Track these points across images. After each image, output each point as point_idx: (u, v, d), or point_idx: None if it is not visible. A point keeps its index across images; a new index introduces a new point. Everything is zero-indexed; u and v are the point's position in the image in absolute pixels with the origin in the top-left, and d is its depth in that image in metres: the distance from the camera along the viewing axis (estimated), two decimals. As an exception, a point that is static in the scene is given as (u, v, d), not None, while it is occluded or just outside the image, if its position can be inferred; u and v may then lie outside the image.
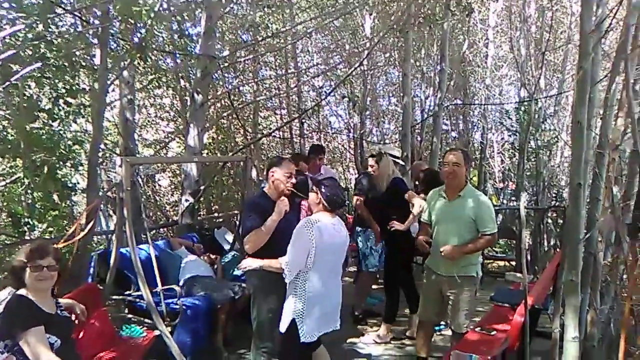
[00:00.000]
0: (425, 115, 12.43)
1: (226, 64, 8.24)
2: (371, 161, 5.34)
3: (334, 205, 3.51)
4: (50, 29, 5.30)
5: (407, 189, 5.12)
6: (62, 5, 5.35)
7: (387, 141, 15.11)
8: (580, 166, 3.17)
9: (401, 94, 10.32)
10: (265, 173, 3.91)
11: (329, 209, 3.50)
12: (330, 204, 3.49)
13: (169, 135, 12.44)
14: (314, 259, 3.31)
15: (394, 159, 5.48)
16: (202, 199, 8.44)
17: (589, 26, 2.78)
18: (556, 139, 10.66)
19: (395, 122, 14.95)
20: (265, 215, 3.58)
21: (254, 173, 9.71)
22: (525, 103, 10.03)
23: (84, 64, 6.22)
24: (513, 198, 13.45)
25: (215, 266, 5.56)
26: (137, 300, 4.57)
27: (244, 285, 4.93)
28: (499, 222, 13.56)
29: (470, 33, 13.16)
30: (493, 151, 13.36)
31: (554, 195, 10.82)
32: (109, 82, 5.91)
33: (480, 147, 13.96)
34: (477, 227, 3.89)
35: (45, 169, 5.21)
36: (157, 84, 9.39)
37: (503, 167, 13.56)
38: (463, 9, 6.41)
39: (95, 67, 6.02)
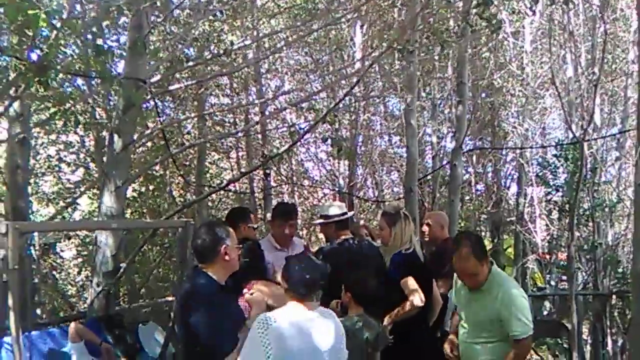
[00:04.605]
0: (439, 163, 12.63)
1: (160, 91, 8.33)
2: (381, 222, 5.28)
3: (307, 289, 3.39)
4: None
5: (402, 272, 4.87)
6: None
7: (386, 196, 15.28)
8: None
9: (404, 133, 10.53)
10: (201, 245, 3.73)
11: (300, 296, 3.38)
12: (301, 288, 3.37)
13: (77, 187, 12.40)
14: None
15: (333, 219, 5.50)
16: (121, 280, 8.33)
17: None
18: (618, 197, 10.88)
19: (398, 171, 15.17)
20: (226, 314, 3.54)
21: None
22: (573, 147, 10.28)
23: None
24: (564, 277, 13.55)
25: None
26: None
27: None
28: (545, 313, 13.66)
29: (499, 49, 13.59)
30: (534, 212, 13.54)
31: (619, 274, 10.94)
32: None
33: (516, 207, 14.14)
34: (505, 328, 4.00)
35: None
36: (61, 117, 9.41)
37: (549, 234, 13.71)
38: (487, 23, 6.59)
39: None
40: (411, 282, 4.78)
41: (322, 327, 3.40)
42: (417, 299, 4.67)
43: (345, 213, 5.61)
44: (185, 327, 3.59)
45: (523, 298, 4.07)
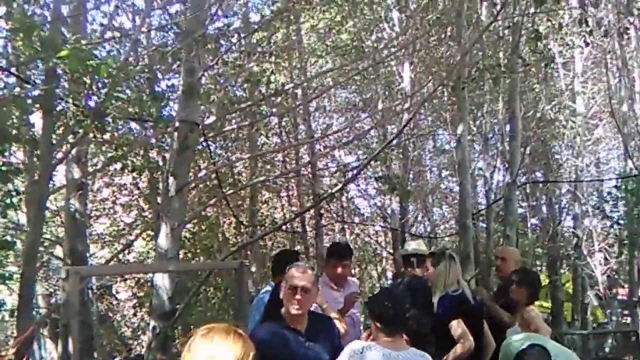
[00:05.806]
0: (493, 197, 12.43)
1: (214, 133, 8.41)
2: (428, 262, 5.31)
3: (392, 323, 3.40)
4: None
5: (450, 314, 4.65)
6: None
7: (439, 231, 15.10)
8: None
9: (456, 168, 10.42)
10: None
11: (386, 330, 3.40)
12: (385, 321, 3.39)
13: (130, 229, 12.52)
14: None
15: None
16: (177, 321, 8.33)
17: None
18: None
19: (450, 206, 14.98)
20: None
21: (250, 283, 9.65)
22: (634, 179, 10.02)
23: (19, 136, 6.36)
24: (626, 312, 13.14)
25: None
26: None
27: None
28: (607, 350, 13.18)
29: (550, 81, 13.43)
30: (593, 246, 13.20)
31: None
32: (54, 162, 6.01)
33: (573, 240, 13.81)
34: None
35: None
36: (118, 161, 9.55)
37: (608, 268, 13.34)
38: (541, 57, 6.49)
39: (36, 141, 6.17)
40: (459, 326, 4.57)
41: None
42: (467, 343, 4.46)
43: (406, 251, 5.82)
44: None
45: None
